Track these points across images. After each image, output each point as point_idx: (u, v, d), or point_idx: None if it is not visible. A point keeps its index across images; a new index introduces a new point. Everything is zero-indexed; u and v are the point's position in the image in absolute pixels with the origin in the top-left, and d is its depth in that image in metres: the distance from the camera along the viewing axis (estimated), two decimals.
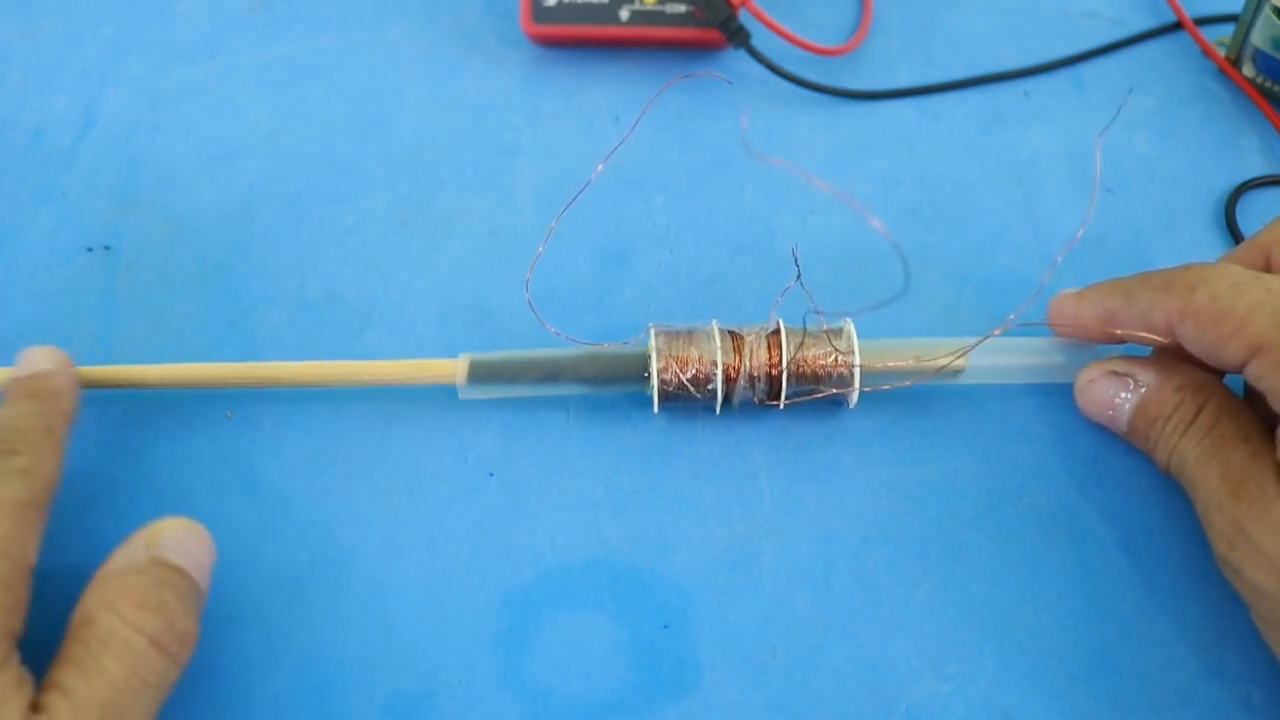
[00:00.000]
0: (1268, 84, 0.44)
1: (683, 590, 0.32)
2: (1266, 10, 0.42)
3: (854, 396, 0.34)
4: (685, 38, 0.44)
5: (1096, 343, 0.35)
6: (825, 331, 0.34)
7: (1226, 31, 0.47)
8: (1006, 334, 0.34)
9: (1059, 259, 0.38)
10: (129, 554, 0.28)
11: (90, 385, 0.34)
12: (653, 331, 0.34)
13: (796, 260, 0.34)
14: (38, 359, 0.32)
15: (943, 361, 0.34)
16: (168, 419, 0.35)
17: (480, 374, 0.34)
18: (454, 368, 0.34)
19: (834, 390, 0.34)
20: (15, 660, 0.26)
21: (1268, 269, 0.32)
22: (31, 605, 0.27)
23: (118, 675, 0.26)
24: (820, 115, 0.44)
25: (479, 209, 0.41)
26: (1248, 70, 0.45)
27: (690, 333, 0.34)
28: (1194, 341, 0.30)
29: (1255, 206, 0.42)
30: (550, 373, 0.34)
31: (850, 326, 0.34)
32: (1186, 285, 0.30)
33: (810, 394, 0.34)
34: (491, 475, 0.34)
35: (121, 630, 0.26)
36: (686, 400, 0.34)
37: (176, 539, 0.29)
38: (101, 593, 0.27)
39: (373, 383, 0.35)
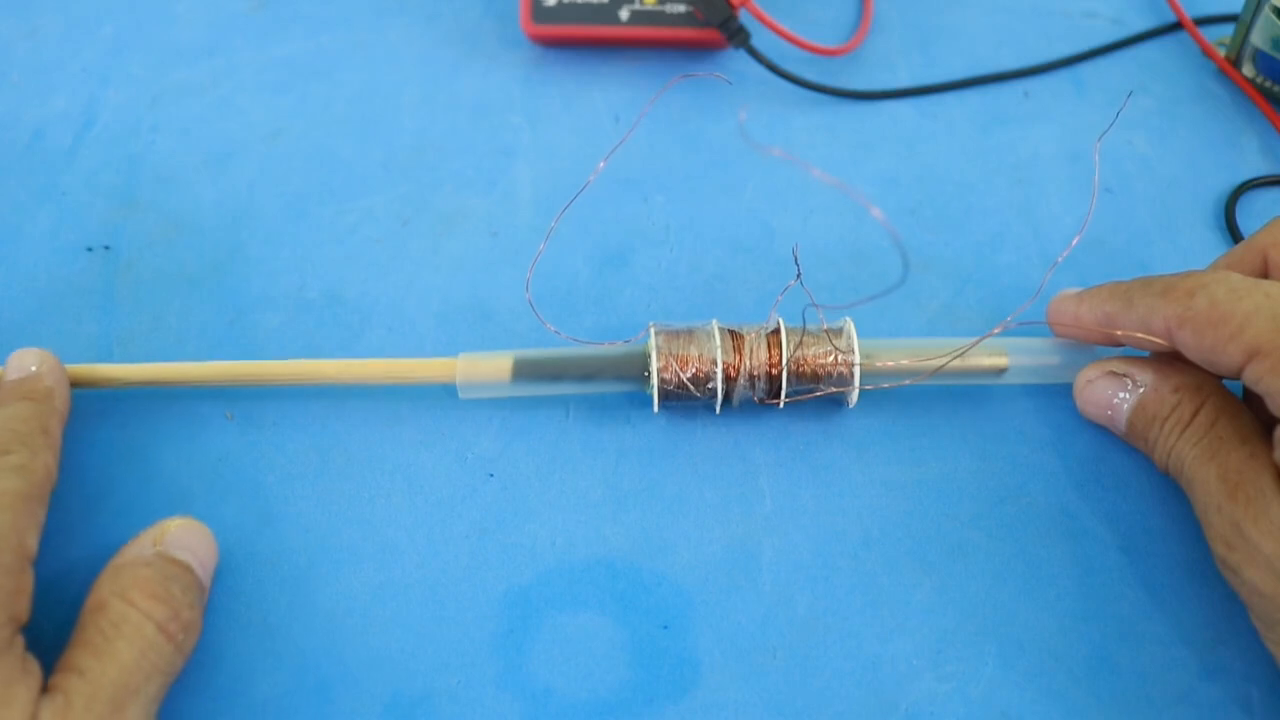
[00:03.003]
0: (1268, 84, 0.44)
1: (683, 590, 0.32)
2: (1266, 10, 0.42)
3: (854, 396, 0.34)
4: (685, 38, 0.44)
5: (1096, 344, 0.35)
6: (825, 331, 0.34)
7: (1226, 31, 0.47)
8: (1006, 334, 0.34)
9: (1060, 259, 0.38)
10: (138, 548, 0.30)
11: (78, 384, 0.34)
12: (653, 330, 0.34)
13: (797, 260, 0.34)
14: (26, 361, 0.33)
15: (940, 361, 0.34)
16: (168, 419, 0.35)
17: (525, 372, 0.34)
18: (453, 366, 0.34)
19: (834, 389, 0.34)
20: (20, 645, 0.27)
21: (1265, 270, 0.32)
22: (35, 601, 0.28)
23: (128, 657, 0.27)
24: (820, 115, 0.44)
25: (479, 209, 0.41)
26: (1248, 70, 0.45)
27: (690, 332, 0.34)
28: (1192, 347, 0.30)
29: (1255, 206, 0.42)
30: (591, 371, 0.34)
31: (850, 326, 0.34)
32: (1186, 291, 0.30)
33: (810, 393, 0.34)
34: (491, 476, 0.34)
35: (133, 616, 0.28)
36: (686, 399, 0.34)
37: (182, 537, 0.31)
38: (113, 582, 0.29)
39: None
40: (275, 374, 0.35)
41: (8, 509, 0.28)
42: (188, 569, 0.30)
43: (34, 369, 0.32)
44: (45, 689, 0.26)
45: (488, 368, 0.34)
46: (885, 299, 0.38)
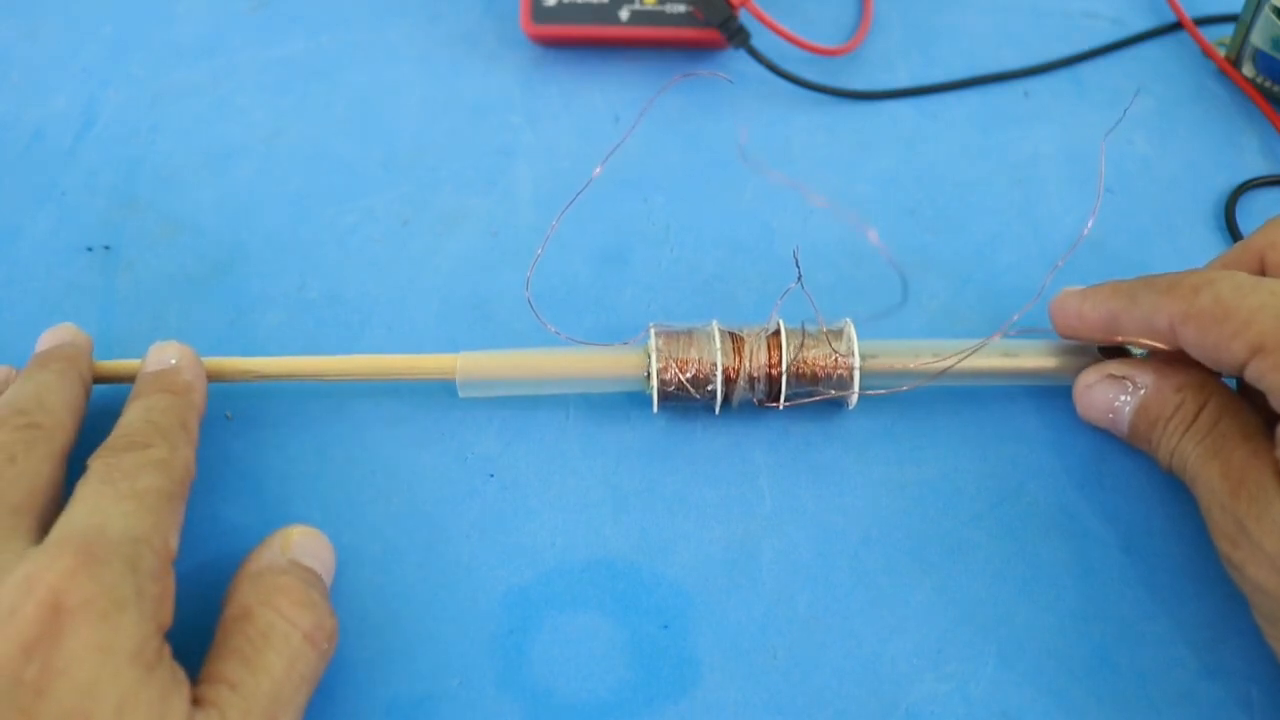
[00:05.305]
0: (1268, 84, 0.44)
1: (683, 590, 0.32)
2: (1266, 10, 0.42)
3: (853, 398, 0.34)
4: (685, 38, 0.44)
5: (1097, 344, 0.35)
6: (825, 333, 0.34)
7: (1226, 31, 0.46)
8: (1006, 335, 0.34)
9: (1061, 262, 0.38)
10: (270, 555, 0.29)
11: (214, 378, 0.34)
12: (653, 331, 0.34)
13: (797, 262, 0.34)
14: (166, 354, 0.33)
15: (938, 365, 0.34)
16: None
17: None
18: (454, 362, 0.34)
19: (833, 392, 0.34)
20: (169, 654, 0.26)
21: (1261, 271, 0.32)
22: None
23: (279, 668, 0.26)
24: (820, 115, 0.44)
25: (479, 209, 0.41)
26: (1248, 70, 0.45)
27: (690, 333, 0.34)
28: (1196, 344, 0.30)
29: (1255, 206, 0.42)
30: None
31: (850, 328, 0.34)
32: (1190, 288, 0.30)
33: (810, 395, 0.34)
34: (492, 476, 0.34)
35: (280, 625, 0.27)
36: (686, 400, 0.34)
37: (307, 545, 0.30)
38: (255, 590, 0.28)
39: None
40: (422, 368, 0.34)
41: (152, 510, 0.27)
42: (319, 576, 0.30)
43: (173, 362, 0.32)
44: (194, 700, 0.25)
45: (625, 363, 0.34)
46: (885, 299, 0.38)
